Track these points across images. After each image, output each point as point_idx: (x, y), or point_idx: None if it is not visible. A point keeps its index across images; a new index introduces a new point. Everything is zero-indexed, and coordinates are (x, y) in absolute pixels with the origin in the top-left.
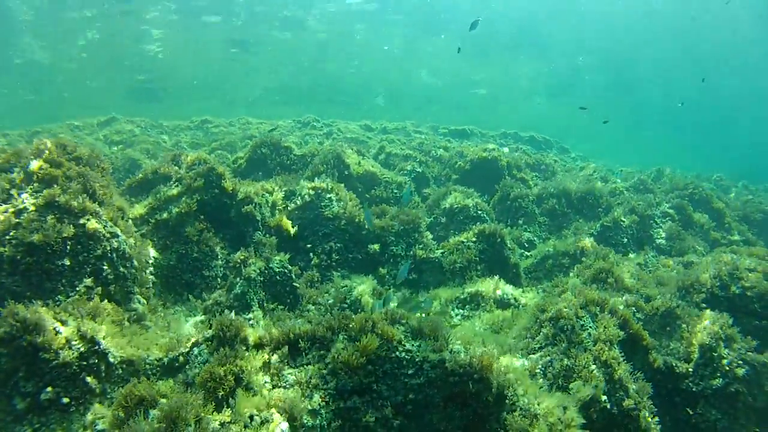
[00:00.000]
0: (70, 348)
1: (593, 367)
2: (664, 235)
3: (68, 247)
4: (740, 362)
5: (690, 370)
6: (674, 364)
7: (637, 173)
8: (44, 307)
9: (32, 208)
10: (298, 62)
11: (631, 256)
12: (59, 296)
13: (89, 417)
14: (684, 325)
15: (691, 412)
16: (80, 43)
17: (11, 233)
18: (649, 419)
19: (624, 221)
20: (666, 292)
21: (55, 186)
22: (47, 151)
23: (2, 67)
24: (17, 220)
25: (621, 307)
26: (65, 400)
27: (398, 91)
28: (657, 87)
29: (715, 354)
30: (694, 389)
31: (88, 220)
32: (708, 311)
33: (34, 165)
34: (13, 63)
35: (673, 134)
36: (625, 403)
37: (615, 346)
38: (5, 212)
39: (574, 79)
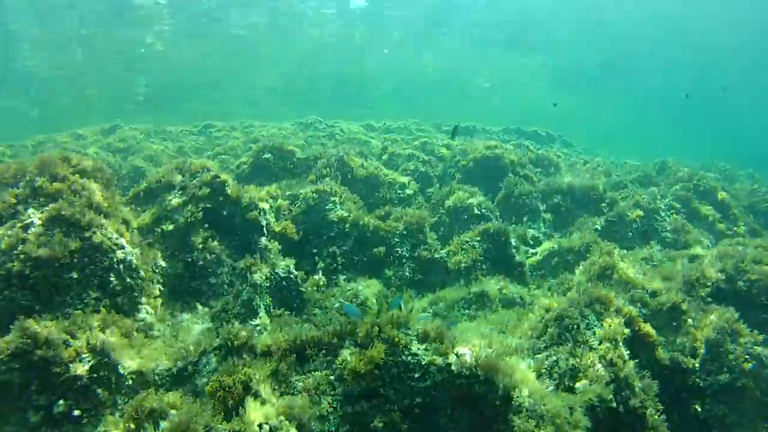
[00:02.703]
0: (80, 361)
1: (599, 366)
2: (669, 228)
3: (75, 260)
4: (747, 356)
5: (696, 365)
6: (681, 360)
7: (641, 166)
8: (54, 321)
9: (39, 222)
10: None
11: (636, 250)
12: (68, 309)
13: (101, 429)
14: (690, 320)
15: (699, 409)
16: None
17: (19, 248)
18: (656, 417)
19: (628, 215)
20: (671, 287)
21: (61, 200)
22: (52, 165)
23: (6, 76)
24: (25, 236)
25: (626, 304)
26: (77, 412)
27: (401, 84)
28: (658, 76)
29: (722, 349)
30: (701, 385)
31: (93, 233)
32: (714, 306)
33: (40, 180)
34: (27, 73)
35: (676, 124)
36: (631, 401)
37: (620, 344)
38: (13, 228)
39: (576, 71)
